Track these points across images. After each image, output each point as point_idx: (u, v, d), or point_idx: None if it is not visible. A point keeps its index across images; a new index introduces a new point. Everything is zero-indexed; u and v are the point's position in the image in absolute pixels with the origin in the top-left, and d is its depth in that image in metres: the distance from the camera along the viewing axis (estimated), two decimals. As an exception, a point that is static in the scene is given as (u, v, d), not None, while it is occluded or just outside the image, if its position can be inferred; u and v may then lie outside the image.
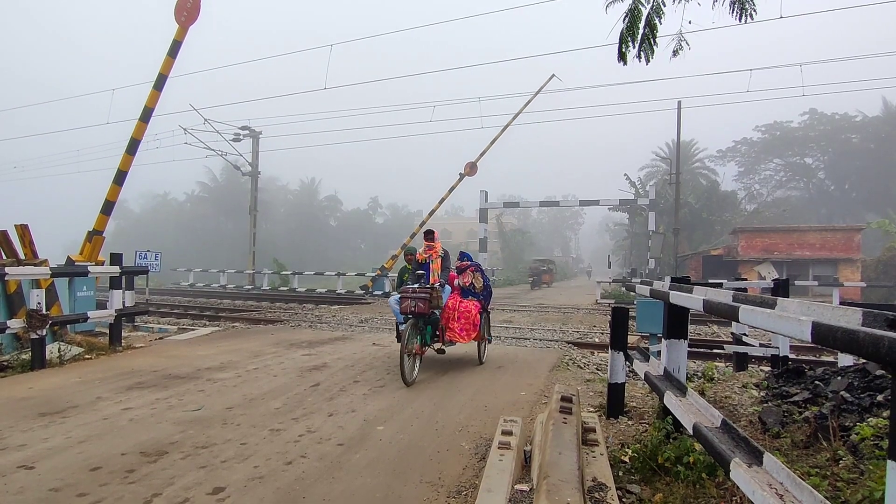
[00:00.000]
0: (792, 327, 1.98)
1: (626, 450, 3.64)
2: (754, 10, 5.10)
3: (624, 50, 5.13)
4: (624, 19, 5.08)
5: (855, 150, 46.62)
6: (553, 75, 25.41)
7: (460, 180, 27.14)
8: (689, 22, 5.39)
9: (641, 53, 5.19)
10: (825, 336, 1.78)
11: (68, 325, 7.85)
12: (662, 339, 4.23)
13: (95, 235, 10.34)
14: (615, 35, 5.24)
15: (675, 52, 5.41)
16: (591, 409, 4.88)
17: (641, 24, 5.06)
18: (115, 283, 8.07)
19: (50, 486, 3.08)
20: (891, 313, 1.66)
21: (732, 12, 5.12)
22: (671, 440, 3.49)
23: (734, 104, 27.84)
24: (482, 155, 26.84)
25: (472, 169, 27.36)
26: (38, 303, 6.47)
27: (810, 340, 1.86)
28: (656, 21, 5.09)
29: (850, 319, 1.79)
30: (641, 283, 5.24)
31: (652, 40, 5.15)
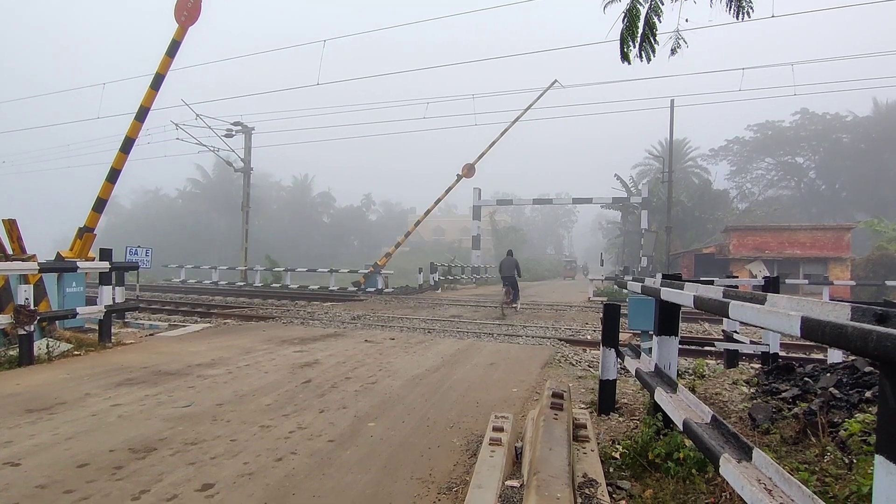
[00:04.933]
0: (782, 322, 1.99)
1: (617, 446, 3.65)
2: (751, 8, 5.12)
3: (626, 50, 5.15)
4: (623, 19, 5.09)
5: (845, 150, 47.06)
6: (555, 81, 25.50)
7: (457, 181, 27.36)
8: (686, 20, 5.39)
9: (642, 53, 5.20)
10: (814, 331, 1.78)
11: (57, 322, 7.77)
12: (654, 336, 4.24)
13: (86, 233, 10.21)
14: (612, 34, 5.26)
15: (673, 51, 5.42)
16: (583, 406, 4.89)
17: (641, 24, 5.07)
18: (104, 279, 8.00)
19: (36, 483, 3.04)
20: (879, 308, 1.67)
21: (729, 10, 5.14)
22: (662, 436, 3.51)
23: (726, 103, 28.00)
24: (480, 157, 27.06)
25: (469, 171, 27.71)
26: (27, 298, 6.40)
27: (799, 335, 1.86)
28: (655, 20, 5.10)
29: (840, 314, 1.80)
30: (633, 280, 5.26)
31: (652, 39, 5.16)
